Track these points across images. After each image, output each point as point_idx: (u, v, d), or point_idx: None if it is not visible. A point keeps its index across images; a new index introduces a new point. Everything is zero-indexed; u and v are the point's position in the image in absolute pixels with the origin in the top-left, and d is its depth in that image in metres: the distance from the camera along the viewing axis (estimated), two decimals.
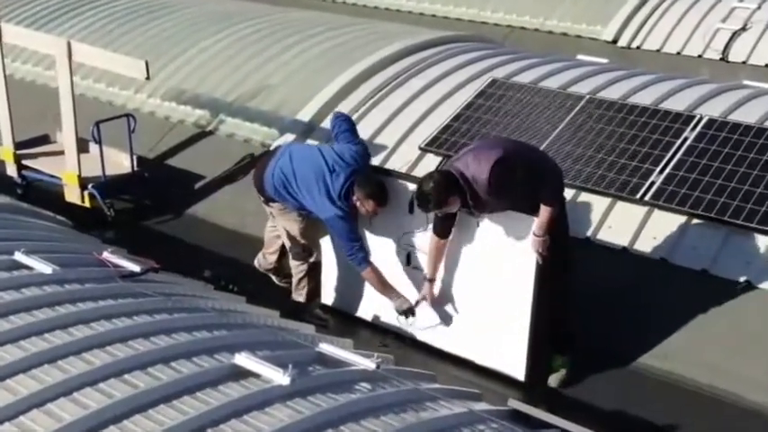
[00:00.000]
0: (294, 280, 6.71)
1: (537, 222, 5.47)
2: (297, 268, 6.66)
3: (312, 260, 6.61)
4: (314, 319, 6.40)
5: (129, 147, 8.18)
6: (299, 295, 6.69)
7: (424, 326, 6.22)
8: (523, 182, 5.48)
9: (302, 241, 6.53)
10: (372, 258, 6.20)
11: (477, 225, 5.81)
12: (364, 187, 6.07)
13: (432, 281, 5.97)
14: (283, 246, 6.75)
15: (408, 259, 6.24)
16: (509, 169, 5.43)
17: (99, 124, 7.98)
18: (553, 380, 5.88)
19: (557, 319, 5.78)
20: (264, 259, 7.03)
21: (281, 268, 6.96)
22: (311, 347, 4.25)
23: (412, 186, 6.07)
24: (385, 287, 6.17)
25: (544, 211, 5.46)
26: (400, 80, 8.92)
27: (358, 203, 6.08)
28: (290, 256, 6.66)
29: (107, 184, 8.09)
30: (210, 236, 7.85)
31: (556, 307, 5.72)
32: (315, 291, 6.71)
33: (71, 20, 11.31)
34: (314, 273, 6.66)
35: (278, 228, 6.64)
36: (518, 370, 5.87)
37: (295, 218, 6.43)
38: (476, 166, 5.46)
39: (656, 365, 5.97)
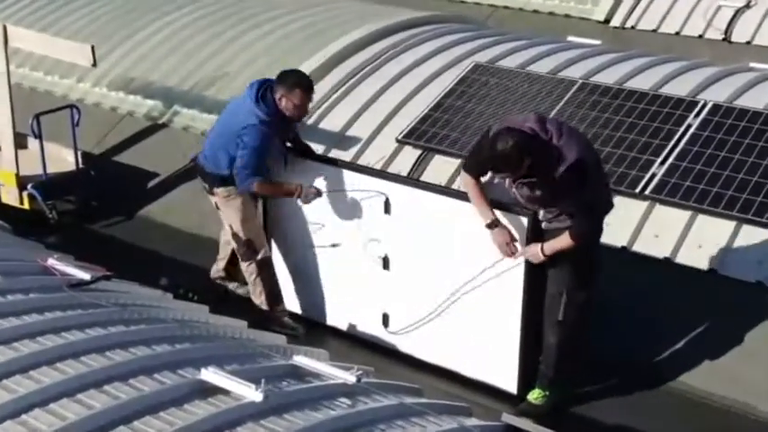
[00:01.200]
0: (249, 284, 6.74)
1: (551, 242, 5.48)
2: (247, 270, 6.72)
3: (259, 257, 6.64)
4: (282, 328, 6.41)
5: (72, 142, 8.14)
6: (259, 300, 6.72)
7: (407, 337, 6.24)
8: (580, 195, 5.40)
9: (245, 236, 6.59)
10: (343, 263, 6.32)
11: (463, 226, 5.83)
12: (285, 80, 6.31)
13: (494, 224, 5.63)
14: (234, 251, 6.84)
15: (386, 263, 6.26)
16: (586, 173, 5.33)
17: (39, 117, 7.93)
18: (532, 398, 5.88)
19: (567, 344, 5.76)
20: (216, 266, 7.12)
21: (236, 274, 7.02)
22: (284, 360, 4.25)
23: (387, 185, 6.10)
24: (279, 189, 6.45)
25: (565, 238, 5.45)
26: (373, 66, 8.93)
27: (283, 104, 6.26)
28: (239, 259, 6.73)
29: (48, 184, 8.05)
30: (167, 239, 7.84)
31: (570, 330, 5.71)
32: (275, 294, 6.74)
33: (3, 1, 11.22)
34: (266, 272, 6.69)
35: (224, 224, 6.73)
36: (510, 382, 5.90)
37: (238, 206, 6.52)
38: (567, 140, 5.32)
39: (662, 374, 6.03)
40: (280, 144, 6.50)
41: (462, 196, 5.84)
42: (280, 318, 6.68)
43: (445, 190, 6.23)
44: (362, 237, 6.33)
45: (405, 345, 6.31)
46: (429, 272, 6.08)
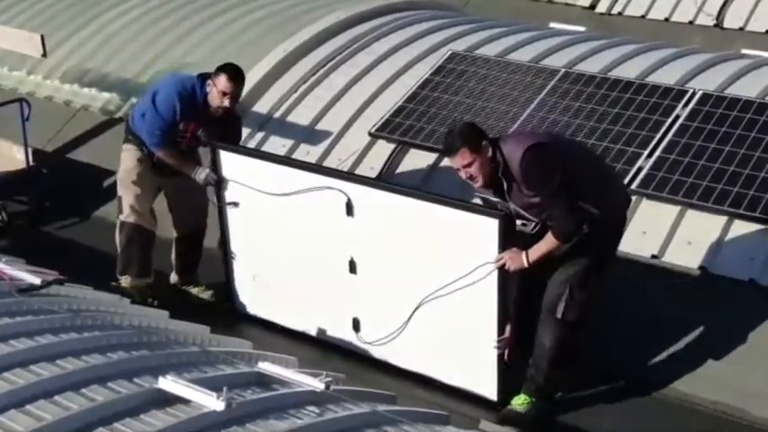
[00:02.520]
0: None
1: (535, 246, 5.53)
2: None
3: (120, 218, 6.88)
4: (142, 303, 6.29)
5: (22, 138, 8.10)
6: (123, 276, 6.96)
7: (378, 341, 6.26)
8: (544, 188, 5.47)
9: (119, 192, 6.91)
10: (308, 267, 6.48)
11: (436, 225, 5.87)
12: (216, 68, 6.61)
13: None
14: (181, 252, 7.14)
15: (352, 267, 6.28)
16: (547, 160, 5.44)
17: None
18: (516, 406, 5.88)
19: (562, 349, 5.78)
20: (173, 272, 7.29)
21: (192, 277, 7.19)
22: (249, 367, 4.25)
23: (351, 187, 6.13)
24: (183, 163, 6.76)
25: (548, 240, 5.51)
26: (344, 56, 8.95)
27: (208, 89, 6.59)
28: None
29: None
30: None
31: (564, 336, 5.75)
32: (130, 263, 6.93)
33: None
34: (125, 236, 6.91)
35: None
36: (489, 389, 5.93)
37: (125, 161, 6.92)
38: (513, 144, 5.53)
39: (650, 378, 6.07)
40: (200, 130, 6.73)
41: (429, 198, 5.95)
42: (134, 291, 6.81)
43: (411, 191, 6.21)
44: (326, 240, 6.36)
45: (377, 351, 6.33)
46: (399, 277, 6.11)
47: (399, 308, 6.11)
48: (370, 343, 6.33)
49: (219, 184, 6.68)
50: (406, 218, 6.01)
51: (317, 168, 6.69)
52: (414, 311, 6.04)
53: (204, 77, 6.66)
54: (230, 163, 6.64)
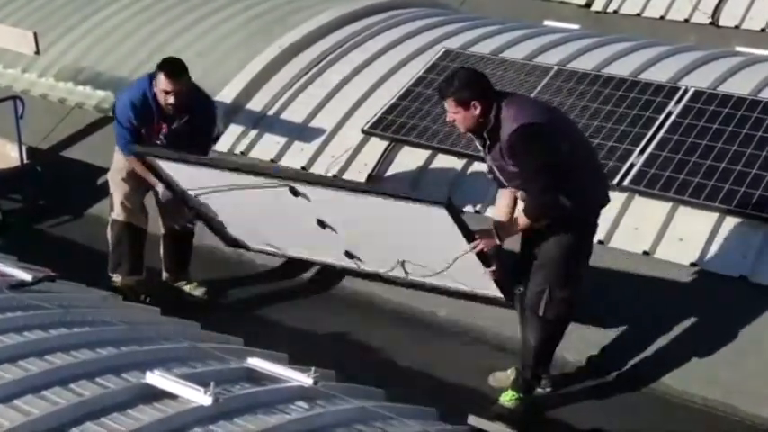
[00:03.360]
0: None
1: (505, 225, 5.63)
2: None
3: (112, 216, 6.91)
4: (135, 301, 6.41)
5: (16, 136, 8.11)
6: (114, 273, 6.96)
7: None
8: (525, 165, 5.43)
9: (111, 190, 6.93)
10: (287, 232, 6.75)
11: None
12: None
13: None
14: (169, 249, 7.14)
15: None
16: (536, 141, 5.38)
17: None
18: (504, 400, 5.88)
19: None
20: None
21: (183, 273, 7.17)
22: (238, 362, 4.25)
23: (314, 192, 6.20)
24: (146, 175, 6.67)
25: (519, 216, 5.55)
26: (337, 54, 8.95)
27: (156, 92, 6.48)
28: None
29: None
30: None
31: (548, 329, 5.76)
32: (119, 261, 6.95)
33: None
34: (114, 234, 6.93)
35: None
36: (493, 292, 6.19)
37: (115, 159, 6.94)
38: (514, 112, 5.41)
39: (640, 374, 6.08)
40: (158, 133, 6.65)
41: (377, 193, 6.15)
42: (126, 289, 6.81)
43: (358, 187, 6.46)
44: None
45: (368, 265, 6.67)
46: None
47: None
48: (364, 262, 6.62)
49: (184, 195, 6.64)
50: (364, 215, 6.15)
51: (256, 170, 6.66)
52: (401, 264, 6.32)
53: (152, 77, 6.57)
54: (177, 170, 6.58)
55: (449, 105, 5.48)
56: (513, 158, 5.41)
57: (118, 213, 6.85)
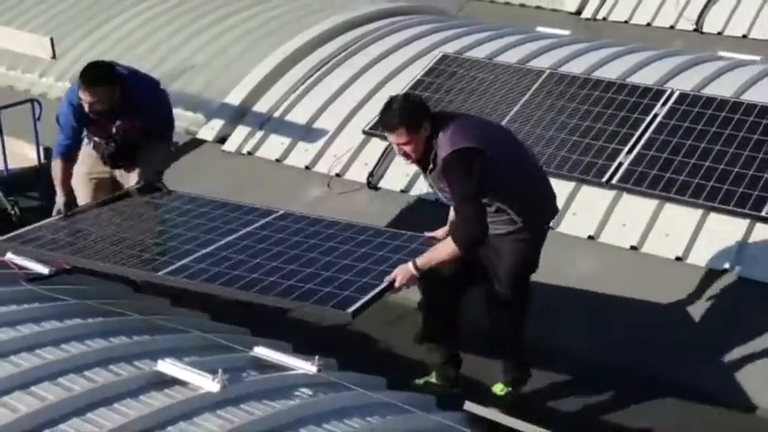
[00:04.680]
0: None
1: (426, 253, 4.93)
2: None
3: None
4: None
5: (34, 137, 8.08)
6: None
7: None
8: (456, 190, 4.97)
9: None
10: None
11: None
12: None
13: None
14: None
15: None
16: (467, 167, 4.91)
17: None
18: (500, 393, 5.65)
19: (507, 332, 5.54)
20: None
21: None
22: (244, 351, 4.25)
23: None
24: (58, 183, 6.05)
25: (446, 242, 4.94)
26: (339, 59, 8.93)
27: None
28: None
29: (10, 180, 7.99)
30: None
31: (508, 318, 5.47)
32: None
33: None
34: None
35: None
36: None
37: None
38: (449, 136, 4.96)
39: (627, 365, 6.06)
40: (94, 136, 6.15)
41: None
42: None
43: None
44: None
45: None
46: None
47: None
48: None
49: (69, 206, 6.01)
50: None
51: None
52: None
53: None
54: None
55: (399, 137, 4.96)
56: (445, 181, 5.03)
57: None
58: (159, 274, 4.80)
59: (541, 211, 5.42)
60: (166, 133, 6.38)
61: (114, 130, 6.07)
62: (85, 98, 5.78)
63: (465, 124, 5.13)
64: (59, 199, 6.02)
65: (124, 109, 5.96)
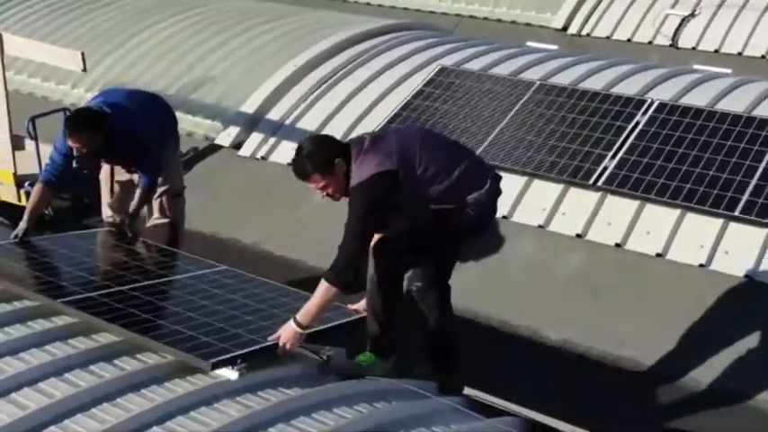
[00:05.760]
0: None
1: (302, 309, 4.12)
2: None
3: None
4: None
5: None
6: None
7: None
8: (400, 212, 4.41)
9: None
10: None
11: None
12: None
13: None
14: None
15: None
16: (369, 203, 4.28)
17: (34, 120, 7.83)
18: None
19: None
20: None
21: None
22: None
23: None
24: (30, 208, 5.65)
25: (319, 289, 4.16)
26: (346, 70, 8.89)
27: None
28: None
29: None
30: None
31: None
32: None
33: (6, 11, 11.12)
34: None
35: None
36: None
37: None
38: (359, 169, 4.33)
39: (614, 353, 6.02)
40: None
41: None
42: None
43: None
44: None
45: None
46: None
47: None
48: None
49: (27, 234, 5.46)
50: None
51: None
52: None
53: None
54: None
55: (316, 183, 4.35)
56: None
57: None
58: (57, 301, 4.22)
59: (463, 201, 4.51)
60: (149, 165, 5.91)
61: (101, 165, 5.99)
62: (71, 143, 5.50)
63: (373, 149, 4.38)
64: (21, 224, 5.50)
65: (109, 150, 5.71)
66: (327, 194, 4.42)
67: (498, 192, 4.65)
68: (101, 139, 5.56)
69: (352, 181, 4.32)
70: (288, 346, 4.01)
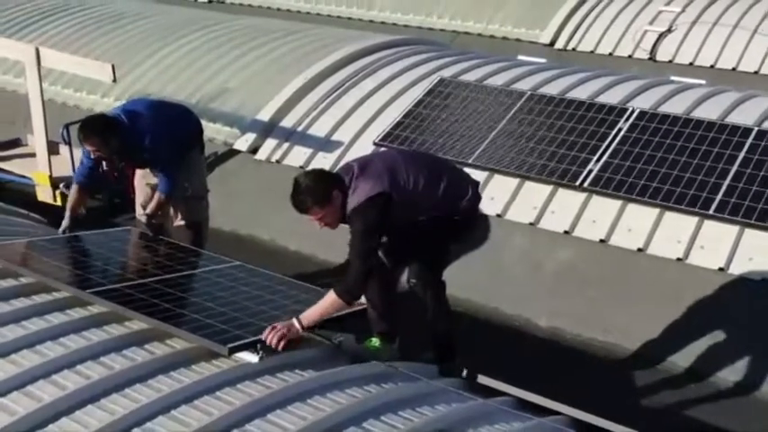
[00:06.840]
0: None
1: (310, 309, 4.09)
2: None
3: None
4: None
5: None
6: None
7: None
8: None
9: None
10: None
11: None
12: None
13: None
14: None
15: None
16: (368, 223, 4.25)
17: (68, 126, 7.85)
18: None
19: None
20: None
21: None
22: None
23: None
24: (70, 206, 5.68)
25: (329, 295, 4.12)
26: (354, 81, 8.89)
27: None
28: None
29: None
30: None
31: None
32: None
33: (42, 27, 11.12)
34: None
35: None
36: None
37: None
38: (355, 193, 4.30)
39: (599, 339, 6.03)
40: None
41: None
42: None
43: None
44: None
45: None
46: None
47: None
48: None
49: (72, 228, 5.58)
50: None
51: None
52: None
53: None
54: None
55: (315, 215, 4.29)
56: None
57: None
58: (86, 292, 4.17)
59: (450, 210, 4.57)
60: (163, 164, 5.81)
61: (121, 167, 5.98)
62: (86, 146, 5.50)
63: (363, 175, 4.34)
64: (64, 222, 5.57)
65: (126, 154, 5.69)
66: (326, 224, 4.37)
67: (479, 198, 4.70)
68: (115, 143, 5.48)
69: (348, 207, 4.28)
70: (285, 339, 3.87)
